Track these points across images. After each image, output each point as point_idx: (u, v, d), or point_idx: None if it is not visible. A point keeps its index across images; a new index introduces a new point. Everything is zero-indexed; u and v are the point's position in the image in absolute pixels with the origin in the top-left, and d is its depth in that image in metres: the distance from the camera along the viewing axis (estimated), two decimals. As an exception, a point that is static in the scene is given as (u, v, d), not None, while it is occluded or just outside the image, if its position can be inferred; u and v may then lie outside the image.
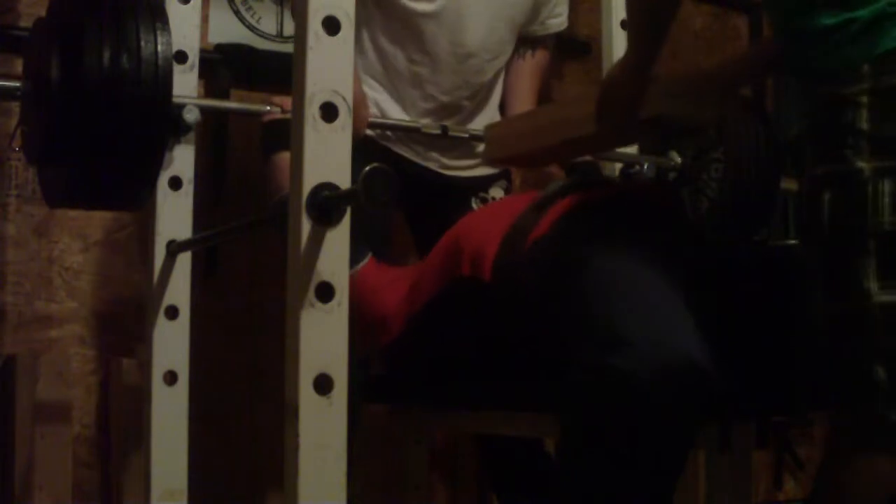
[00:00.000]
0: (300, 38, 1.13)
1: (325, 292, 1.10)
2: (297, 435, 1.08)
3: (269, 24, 2.33)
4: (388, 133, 1.93)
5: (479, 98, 2.00)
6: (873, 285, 1.24)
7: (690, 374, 1.21)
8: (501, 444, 1.96)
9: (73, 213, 2.05)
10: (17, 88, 1.48)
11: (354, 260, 1.60)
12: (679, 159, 1.98)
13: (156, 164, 1.47)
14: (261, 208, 1.75)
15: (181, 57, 1.69)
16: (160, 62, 1.38)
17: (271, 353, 2.08)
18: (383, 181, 1.05)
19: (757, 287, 1.49)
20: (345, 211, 1.11)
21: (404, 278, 1.66)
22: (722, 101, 1.69)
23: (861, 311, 1.25)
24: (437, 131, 1.87)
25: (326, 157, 1.11)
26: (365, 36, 1.91)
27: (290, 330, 1.10)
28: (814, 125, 1.34)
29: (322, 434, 1.09)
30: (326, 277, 1.10)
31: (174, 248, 1.65)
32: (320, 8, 1.12)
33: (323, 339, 1.10)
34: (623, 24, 2.11)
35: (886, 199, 1.24)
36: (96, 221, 2.11)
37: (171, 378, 1.64)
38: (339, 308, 1.11)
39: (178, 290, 1.66)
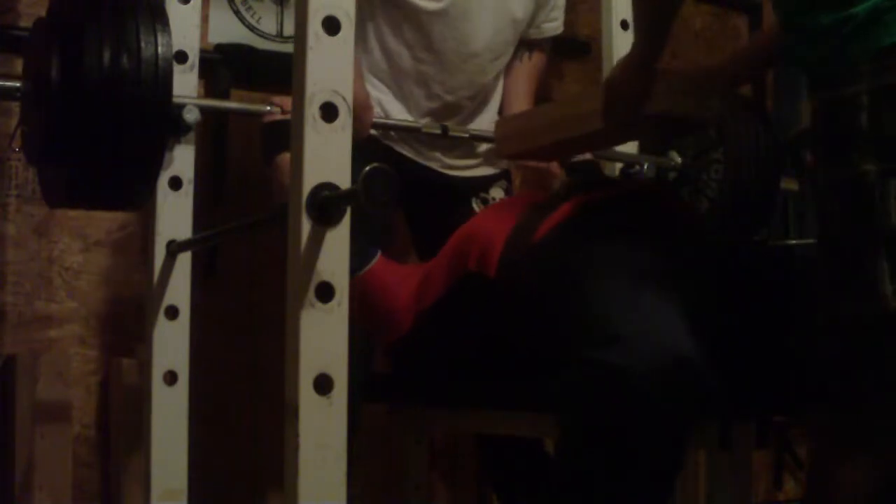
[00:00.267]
0: (300, 38, 1.13)
1: (325, 292, 1.10)
2: (297, 435, 1.08)
3: (269, 24, 2.33)
4: (391, 132, 1.93)
5: (480, 98, 2.01)
6: (889, 289, 1.23)
7: (683, 369, 1.22)
8: (501, 444, 1.96)
9: (73, 213, 2.05)
10: (17, 88, 1.48)
11: (364, 260, 1.61)
12: (679, 159, 1.98)
13: (156, 164, 1.47)
14: (261, 208, 1.75)
15: (181, 57, 1.69)
16: (160, 62, 1.38)
17: (271, 353, 2.08)
18: (383, 181, 1.05)
19: (757, 287, 1.49)
20: (345, 211, 1.11)
21: (414, 275, 1.66)
22: (724, 98, 1.69)
23: (883, 315, 1.23)
24: (438, 131, 1.88)
25: (326, 157, 1.11)
26: (371, 35, 1.91)
27: (290, 330, 1.11)
28: (817, 129, 1.33)
29: (322, 434, 1.09)
30: (326, 277, 1.10)
31: (174, 248, 1.65)
32: (320, 8, 1.12)
33: (323, 339, 1.10)
34: (623, 24, 2.13)
35: (894, 202, 1.23)
36: (96, 221, 2.10)
37: (171, 378, 1.64)
38: (339, 308, 1.11)
39: (178, 290, 1.66)
